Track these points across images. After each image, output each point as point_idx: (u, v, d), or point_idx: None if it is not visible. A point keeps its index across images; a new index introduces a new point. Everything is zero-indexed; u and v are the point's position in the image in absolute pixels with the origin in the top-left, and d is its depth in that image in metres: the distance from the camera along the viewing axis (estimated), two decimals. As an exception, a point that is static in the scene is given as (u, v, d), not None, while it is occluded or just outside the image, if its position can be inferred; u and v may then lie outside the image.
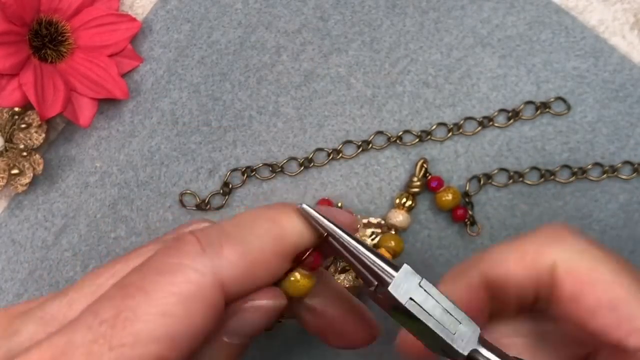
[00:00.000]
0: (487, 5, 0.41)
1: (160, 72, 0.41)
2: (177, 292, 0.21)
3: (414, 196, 0.39)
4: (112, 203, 0.40)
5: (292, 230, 0.24)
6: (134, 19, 0.40)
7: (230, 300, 0.23)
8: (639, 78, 0.41)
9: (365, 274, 0.25)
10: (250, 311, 0.25)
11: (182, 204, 0.40)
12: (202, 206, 0.40)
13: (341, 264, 0.38)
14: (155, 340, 0.21)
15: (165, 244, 0.24)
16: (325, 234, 0.25)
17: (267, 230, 0.24)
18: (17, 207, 0.40)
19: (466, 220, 0.39)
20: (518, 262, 0.26)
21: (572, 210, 0.40)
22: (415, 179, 0.39)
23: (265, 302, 0.25)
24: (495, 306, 0.27)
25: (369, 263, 0.24)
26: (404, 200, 0.39)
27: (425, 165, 0.40)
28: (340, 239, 0.25)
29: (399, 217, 0.39)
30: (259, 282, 0.24)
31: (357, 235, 0.38)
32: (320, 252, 0.26)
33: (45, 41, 0.39)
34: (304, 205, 0.25)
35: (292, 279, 0.26)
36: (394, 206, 0.40)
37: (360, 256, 0.24)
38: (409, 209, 0.39)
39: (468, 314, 0.24)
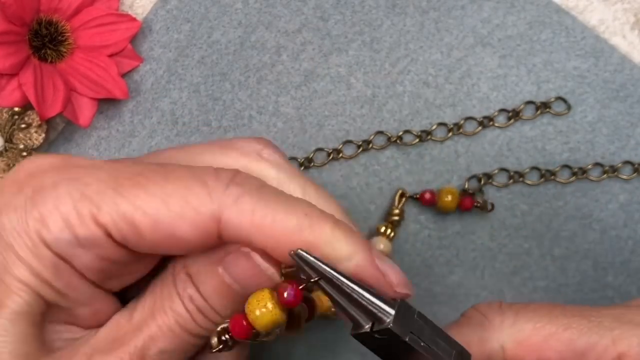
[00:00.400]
0: (487, 5, 0.41)
1: (160, 72, 0.41)
2: (199, 184, 0.23)
3: (393, 225, 0.39)
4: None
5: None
6: (133, 19, 0.40)
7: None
8: (640, 78, 0.41)
9: (358, 315, 0.24)
10: (242, 258, 0.25)
11: None
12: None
13: None
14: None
15: None
16: (318, 278, 0.23)
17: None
18: (17, 207, 0.40)
19: (476, 204, 0.39)
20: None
21: (572, 210, 0.40)
22: (394, 209, 0.39)
23: (261, 262, 0.25)
24: None
25: (365, 303, 0.23)
26: (383, 229, 0.39)
27: (404, 195, 0.39)
28: (337, 281, 0.23)
29: (380, 245, 0.39)
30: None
31: None
32: (301, 289, 0.24)
33: (45, 41, 0.39)
34: (300, 251, 0.23)
35: (263, 307, 0.23)
36: (376, 233, 0.39)
37: (356, 296, 0.23)
38: (390, 238, 0.39)
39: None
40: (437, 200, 0.39)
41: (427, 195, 0.39)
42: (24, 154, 0.38)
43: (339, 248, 0.23)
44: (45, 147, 0.40)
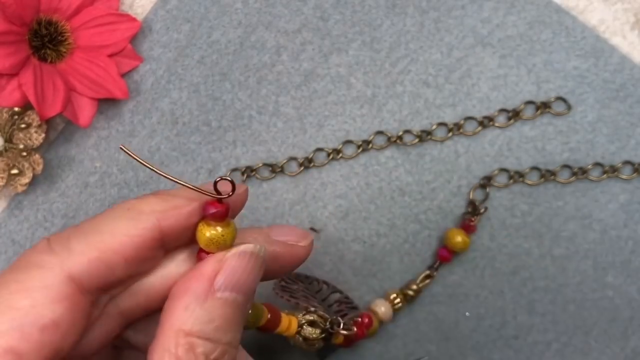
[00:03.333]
0: (487, 5, 0.41)
1: (160, 71, 0.41)
2: (22, 288, 0.22)
3: (406, 298, 0.39)
4: (112, 203, 0.40)
5: (149, 213, 0.24)
6: (133, 19, 0.40)
7: (107, 288, 0.24)
8: (640, 78, 0.41)
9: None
10: (233, 260, 0.24)
11: None
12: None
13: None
14: (2, 333, 0.21)
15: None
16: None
17: (121, 216, 0.24)
18: (17, 207, 0.40)
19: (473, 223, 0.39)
20: None
21: (572, 210, 0.40)
22: (413, 284, 0.39)
23: (244, 247, 0.25)
24: None
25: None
26: (394, 297, 0.39)
27: (431, 275, 0.39)
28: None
29: (382, 308, 0.38)
30: (123, 269, 0.24)
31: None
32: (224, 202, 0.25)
33: (45, 41, 0.39)
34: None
35: (199, 231, 0.25)
36: (384, 296, 0.39)
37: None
38: (396, 308, 0.39)
39: None
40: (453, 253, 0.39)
41: (445, 253, 0.39)
42: (24, 153, 0.38)
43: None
44: (45, 147, 0.40)
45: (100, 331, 0.25)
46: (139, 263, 0.24)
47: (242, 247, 0.25)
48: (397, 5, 0.41)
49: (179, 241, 0.25)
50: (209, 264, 0.24)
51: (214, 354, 0.23)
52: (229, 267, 0.24)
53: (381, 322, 0.39)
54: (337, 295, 0.38)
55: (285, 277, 0.36)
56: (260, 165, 0.40)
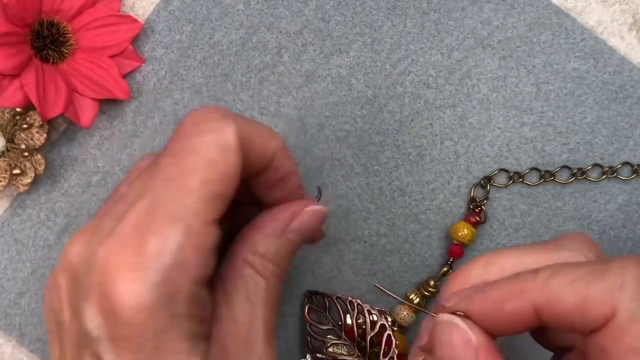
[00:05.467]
0: (487, 7, 0.41)
1: (163, 72, 0.41)
2: (217, 146, 0.27)
3: (423, 298, 0.39)
4: (114, 203, 0.40)
5: (275, 145, 0.30)
6: (135, 20, 0.40)
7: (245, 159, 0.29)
8: (639, 79, 0.41)
9: None
10: (308, 214, 0.32)
11: None
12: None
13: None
14: (213, 182, 0.27)
15: (191, 115, 0.29)
16: None
17: (264, 127, 0.30)
18: (20, 206, 0.40)
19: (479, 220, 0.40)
20: (577, 304, 0.24)
21: (571, 210, 0.40)
22: (432, 282, 0.40)
23: (319, 207, 0.32)
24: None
25: None
26: (412, 297, 0.39)
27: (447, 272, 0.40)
28: None
29: (403, 313, 0.39)
30: (253, 157, 0.29)
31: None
32: None
33: (47, 42, 0.39)
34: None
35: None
36: (405, 298, 0.40)
37: None
38: (414, 309, 0.39)
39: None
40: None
41: (456, 250, 0.40)
42: (26, 154, 0.38)
43: None
44: (48, 147, 0.40)
45: None
46: (251, 169, 0.30)
47: (313, 207, 0.32)
48: (398, 6, 0.41)
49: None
50: (287, 211, 0.31)
51: (277, 273, 0.31)
52: (302, 218, 0.31)
53: (404, 329, 0.39)
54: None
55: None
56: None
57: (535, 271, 0.25)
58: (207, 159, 0.27)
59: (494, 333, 0.26)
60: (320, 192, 0.37)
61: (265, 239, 0.31)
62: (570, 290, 0.24)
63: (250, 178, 0.31)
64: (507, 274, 0.27)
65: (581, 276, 0.24)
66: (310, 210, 0.32)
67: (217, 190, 0.27)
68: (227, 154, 0.27)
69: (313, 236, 0.33)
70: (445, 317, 0.27)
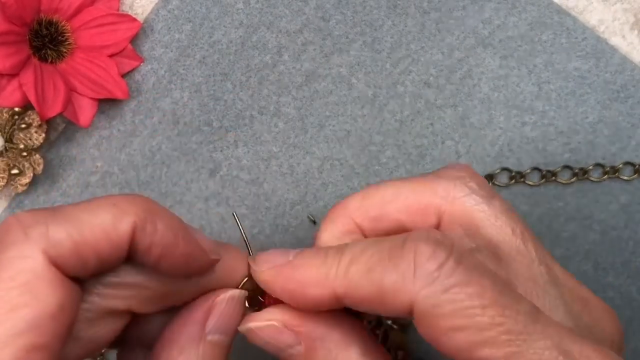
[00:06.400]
0: (488, 6, 0.41)
1: (162, 71, 0.41)
2: (16, 285, 0.21)
3: None
4: (113, 203, 0.40)
5: (131, 215, 0.24)
6: (134, 19, 0.40)
7: (77, 274, 0.23)
8: (640, 79, 0.41)
9: None
10: (223, 305, 0.26)
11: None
12: (203, 206, 0.40)
13: None
14: (19, 334, 0.21)
15: None
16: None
17: (104, 210, 0.23)
18: (18, 206, 0.40)
19: None
20: (374, 294, 0.24)
21: (572, 211, 0.40)
22: None
23: (234, 292, 0.27)
24: None
25: None
26: None
27: None
28: None
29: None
30: (95, 264, 0.23)
31: None
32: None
33: (46, 41, 0.39)
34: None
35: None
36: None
37: None
38: None
39: None
40: None
41: None
42: (24, 154, 0.38)
43: None
44: (46, 147, 0.40)
45: (105, 328, 0.25)
46: (109, 262, 0.24)
47: (229, 293, 0.27)
48: (399, 5, 0.41)
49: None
50: (199, 310, 0.26)
51: None
52: (218, 312, 0.26)
53: (403, 327, 0.39)
54: None
55: None
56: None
57: (340, 254, 0.25)
58: (7, 308, 0.21)
59: (297, 308, 0.26)
60: (235, 218, 0.31)
61: (183, 353, 0.25)
62: (366, 280, 0.24)
63: (116, 267, 0.25)
64: (384, 206, 0.27)
65: (376, 264, 0.24)
66: (224, 298, 0.27)
67: (28, 343, 0.21)
68: (35, 291, 0.21)
69: (236, 328, 0.27)
70: (248, 326, 0.26)
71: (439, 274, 0.22)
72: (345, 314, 0.26)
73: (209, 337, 0.26)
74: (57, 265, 0.22)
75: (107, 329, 0.25)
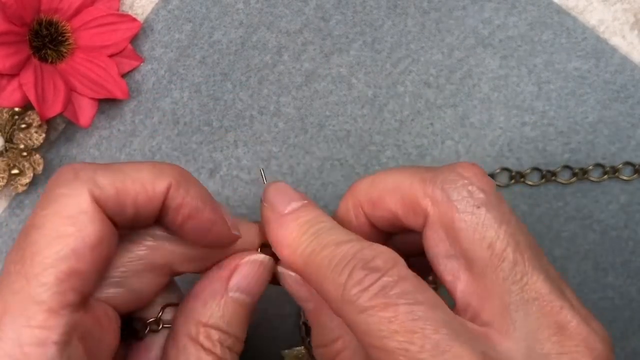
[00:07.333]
0: (488, 6, 0.41)
1: (162, 71, 0.41)
2: (64, 216, 0.24)
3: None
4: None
5: (168, 176, 0.26)
6: (134, 19, 0.40)
7: (116, 219, 0.26)
8: (640, 79, 0.41)
9: None
10: (247, 266, 0.29)
11: None
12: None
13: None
14: (61, 259, 0.24)
15: (49, 181, 0.26)
16: None
17: (146, 169, 0.26)
18: (18, 206, 0.40)
19: None
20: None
21: (572, 211, 0.40)
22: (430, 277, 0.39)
23: (258, 257, 0.29)
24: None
25: None
26: None
27: None
28: None
29: None
30: (131, 214, 0.26)
31: None
32: None
33: (46, 41, 0.39)
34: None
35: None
36: None
37: None
38: None
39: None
40: None
41: None
42: (24, 154, 0.38)
43: None
44: (46, 147, 0.40)
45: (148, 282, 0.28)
46: (144, 214, 0.26)
47: (254, 256, 0.29)
48: (398, 5, 0.41)
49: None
50: (225, 268, 0.29)
51: (226, 342, 0.28)
52: (242, 272, 0.29)
53: None
54: None
55: None
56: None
57: (308, 233, 0.28)
58: (54, 235, 0.24)
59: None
60: (263, 174, 0.33)
61: (206, 306, 0.28)
62: (311, 271, 0.27)
63: (149, 224, 0.28)
64: (384, 195, 0.29)
65: (324, 268, 0.26)
66: (248, 261, 0.29)
67: (68, 268, 0.24)
68: (79, 223, 0.24)
69: (259, 291, 0.30)
70: (277, 268, 0.30)
71: (359, 296, 0.24)
72: None
73: (231, 294, 0.28)
74: (100, 205, 0.25)
75: (152, 282, 0.28)
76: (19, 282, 0.23)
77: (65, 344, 0.23)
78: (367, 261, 0.25)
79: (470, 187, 0.27)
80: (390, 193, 0.28)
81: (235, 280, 0.28)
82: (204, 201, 0.27)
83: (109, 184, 0.25)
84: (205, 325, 0.27)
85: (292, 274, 0.29)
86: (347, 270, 0.25)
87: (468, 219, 0.26)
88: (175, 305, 0.29)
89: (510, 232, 0.26)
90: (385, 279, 0.24)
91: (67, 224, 0.24)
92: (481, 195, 0.26)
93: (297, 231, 0.27)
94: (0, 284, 0.24)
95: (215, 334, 0.27)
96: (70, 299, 0.24)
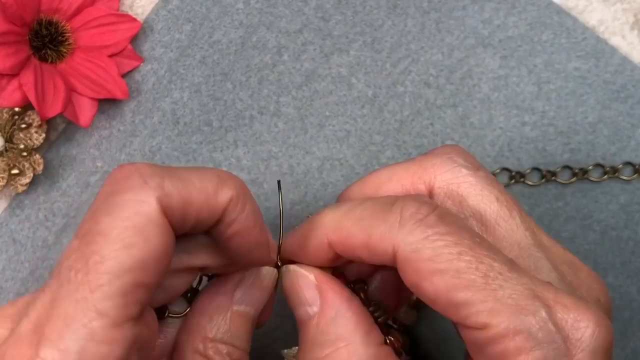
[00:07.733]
0: (488, 6, 0.41)
1: (162, 71, 0.41)
2: (131, 225, 0.23)
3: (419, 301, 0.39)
4: (113, 203, 0.40)
5: (226, 192, 0.26)
6: (134, 19, 0.40)
7: (176, 229, 0.25)
8: (640, 79, 0.41)
9: None
10: (252, 277, 0.29)
11: None
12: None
13: None
14: (127, 271, 0.23)
15: (109, 180, 0.25)
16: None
17: (212, 178, 0.25)
18: (18, 206, 0.40)
19: None
20: (363, 241, 0.27)
21: (572, 210, 0.40)
22: None
23: (262, 267, 0.29)
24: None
25: None
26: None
27: None
28: None
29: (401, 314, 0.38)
30: (192, 224, 0.25)
31: None
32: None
33: (46, 41, 0.39)
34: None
35: None
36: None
37: None
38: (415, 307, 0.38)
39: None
40: None
41: None
42: (24, 154, 0.38)
43: None
44: (46, 147, 0.40)
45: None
46: (201, 224, 0.26)
47: (257, 269, 0.29)
48: (398, 6, 0.41)
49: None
50: (229, 281, 0.29)
51: (234, 355, 0.28)
52: (246, 284, 0.29)
53: (408, 327, 0.39)
54: None
55: None
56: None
57: (336, 207, 0.28)
58: (120, 245, 0.23)
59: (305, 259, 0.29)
60: (279, 186, 0.32)
61: (212, 320, 0.28)
62: (357, 227, 0.26)
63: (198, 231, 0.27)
64: (380, 187, 0.29)
65: (368, 215, 0.26)
66: (252, 272, 0.29)
67: (134, 280, 0.23)
68: (146, 233, 0.23)
69: (263, 302, 0.30)
70: (290, 267, 0.29)
71: (421, 224, 0.24)
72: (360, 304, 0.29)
73: (236, 307, 0.28)
74: (166, 215, 0.24)
75: (185, 280, 0.28)
76: (82, 291, 0.22)
77: (126, 358, 0.23)
78: (418, 198, 0.26)
79: (460, 158, 0.29)
80: (386, 183, 0.29)
81: (240, 293, 0.29)
82: (255, 221, 0.26)
83: (177, 193, 0.24)
84: (213, 340, 0.28)
85: (310, 275, 0.29)
86: (399, 207, 0.25)
87: (471, 181, 0.28)
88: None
89: (504, 190, 0.29)
90: (439, 210, 0.25)
91: (135, 234, 0.23)
92: (473, 163, 0.29)
93: (320, 214, 0.28)
94: (58, 290, 0.23)
95: (224, 348, 0.28)
96: (133, 311, 0.23)
